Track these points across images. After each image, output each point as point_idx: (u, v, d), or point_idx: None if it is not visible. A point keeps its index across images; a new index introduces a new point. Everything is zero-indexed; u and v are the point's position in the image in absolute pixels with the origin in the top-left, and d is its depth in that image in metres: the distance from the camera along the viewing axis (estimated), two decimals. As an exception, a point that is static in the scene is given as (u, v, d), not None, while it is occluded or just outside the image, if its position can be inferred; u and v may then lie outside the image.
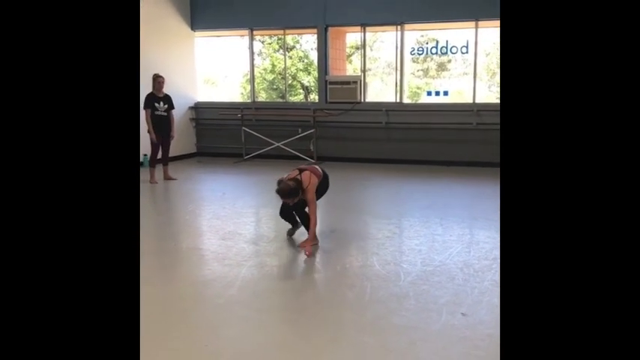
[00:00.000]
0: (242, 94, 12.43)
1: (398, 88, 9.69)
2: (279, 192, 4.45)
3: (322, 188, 4.76)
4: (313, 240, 4.57)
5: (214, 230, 5.38)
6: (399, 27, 9.46)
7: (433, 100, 9.87)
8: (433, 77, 11.79)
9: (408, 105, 9.91)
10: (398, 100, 9.72)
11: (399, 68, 9.64)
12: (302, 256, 4.45)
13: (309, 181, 4.51)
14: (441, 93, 9.91)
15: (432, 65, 11.62)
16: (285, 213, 4.82)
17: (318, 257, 4.52)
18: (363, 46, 9.96)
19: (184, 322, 3.26)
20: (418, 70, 11.82)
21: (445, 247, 4.68)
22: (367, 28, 9.85)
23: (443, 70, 11.53)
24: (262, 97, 12.05)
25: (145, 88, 7.73)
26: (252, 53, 10.66)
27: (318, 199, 4.66)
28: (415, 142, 9.55)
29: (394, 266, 4.18)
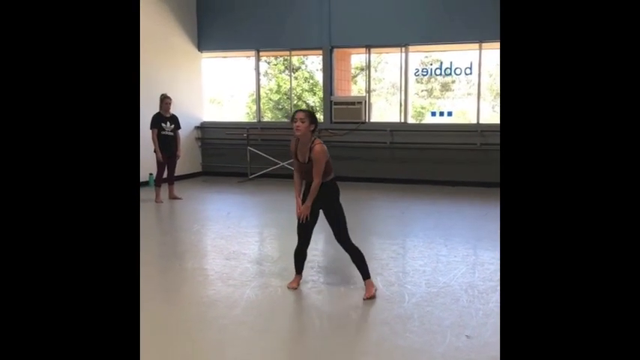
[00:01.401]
0: (248, 113, 12.52)
1: (402, 108, 9.76)
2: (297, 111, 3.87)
3: (332, 193, 4.07)
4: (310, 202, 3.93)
5: (219, 250, 5.39)
6: (403, 48, 9.56)
7: (437, 120, 9.93)
8: (437, 98, 11.85)
9: (412, 125, 9.96)
10: (402, 121, 9.78)
11: (403, 89, 9.72)
12: (305, 277, 4.44)
13: (322, 150, 3.84)
14: (445, 113, 9.97)
15: (436, 86, 11.69)
16: (303, 227, 4.03)
17: (322, 278, 4.51)
18: (368, 67, 10.06)
19: (188, 342, 3.26)
20: (422, 91, 11.88)
21: (449, 268, 4.66)
22: (372, 50, 9.96)
23: (447, 90, 11.59)
24: (268, 117, 12.14)
25: (153, 108, 7.82)
26: (258, 74, 10.79)
27: (332, 203, 4.06)
28: (419, 162, 9.58)
29: (398, 287, 4.17)
